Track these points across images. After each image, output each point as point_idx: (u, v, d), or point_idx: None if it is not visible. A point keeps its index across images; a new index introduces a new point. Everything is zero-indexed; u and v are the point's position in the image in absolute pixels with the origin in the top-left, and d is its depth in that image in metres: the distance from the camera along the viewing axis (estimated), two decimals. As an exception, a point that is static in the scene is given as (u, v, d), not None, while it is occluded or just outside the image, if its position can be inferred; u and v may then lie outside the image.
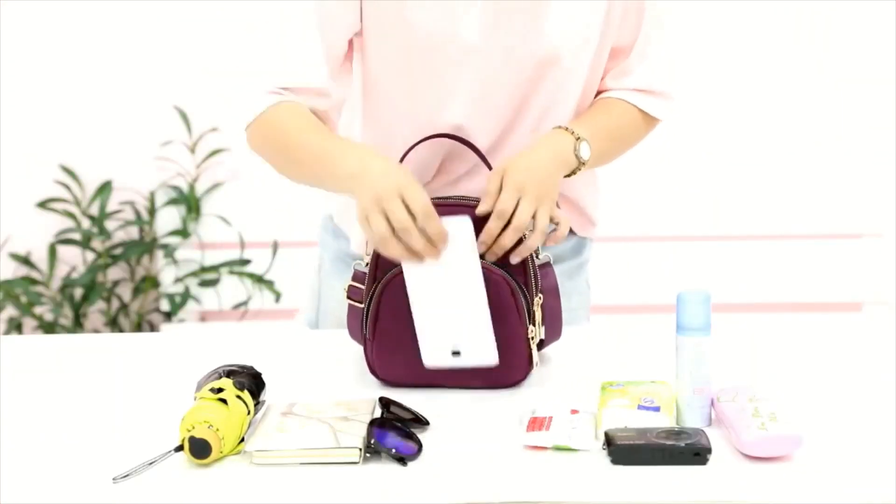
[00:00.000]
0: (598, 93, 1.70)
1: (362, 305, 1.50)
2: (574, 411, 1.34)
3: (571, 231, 1.76)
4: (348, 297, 1.53)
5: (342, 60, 1.62)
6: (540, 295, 1.48)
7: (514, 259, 1.46)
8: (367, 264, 1.50)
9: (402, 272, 1.42)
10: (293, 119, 1.57)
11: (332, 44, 1.58)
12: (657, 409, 1.30)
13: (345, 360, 1.58)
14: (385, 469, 1.23)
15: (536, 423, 1.30)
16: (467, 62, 1.57)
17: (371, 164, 1.43)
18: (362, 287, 1.50)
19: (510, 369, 1.46)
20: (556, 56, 1.59)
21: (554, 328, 1.53)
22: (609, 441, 1.23)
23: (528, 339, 1.46)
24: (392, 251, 1.39)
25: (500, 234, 1.45)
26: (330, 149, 1.51)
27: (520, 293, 1.45)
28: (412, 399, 1.43)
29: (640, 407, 1.31)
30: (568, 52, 1.59)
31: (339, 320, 1.75)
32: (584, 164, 1.57)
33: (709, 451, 1.22)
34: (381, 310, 1.46)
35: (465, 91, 1.59)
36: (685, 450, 1.22)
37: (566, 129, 1.57)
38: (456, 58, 1.57)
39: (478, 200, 1.47)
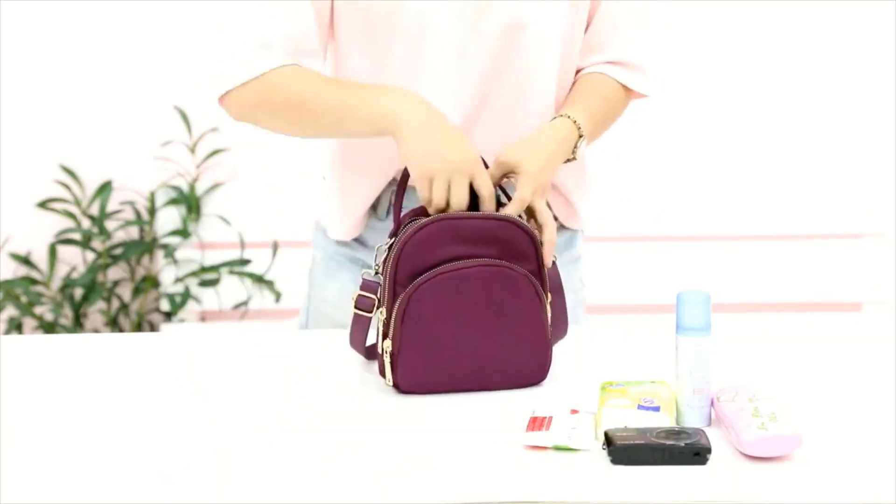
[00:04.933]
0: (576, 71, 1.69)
1: (370, 315, 1.48)
2: (574, 411, 1.34)
3: (560, 224, 1.74)
4: (356, 307, 1.49)
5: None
6: (548, 294, 1.48)
7: (549, 259, 1.48)
8: (376, 272, 1.47)
9: (424, 283, 1.41)
10: (307, 77, 1.57)
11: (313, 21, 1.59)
12: (657, 409, 1.30)
13: (345, 360, 1.57)
14: (385, 469, 1.23)
15: (536, 423, 1.30)
16: (431, 33, 1.56)
17: (428, 118, 1.48)
18: (372, 297, 1.47)
19: (536, 370, 1.47)
20: (521, 22, 1.57)
21: (561, 326, 1.53)
22: (609, 441, 1.23)
23: (549, 339, 1.46)
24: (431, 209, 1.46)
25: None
26: (359, 90, 1.54)
27: (543, 295, 1.45)
28: (412, 399, 1.43)
29: (640, 407, 1.31)
30: (533, 19, 1.57)
31: (330, 322, 1.74)
32: (574, 159, 1.59)
33: (709, 451, 1.22)
34: (406, 322, 1.42)
35: (433, 64, 1.57)
36: (685, 450, 1.22)
37: (574, 121, 1.57)
38: (420, 29, 1.56)
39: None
